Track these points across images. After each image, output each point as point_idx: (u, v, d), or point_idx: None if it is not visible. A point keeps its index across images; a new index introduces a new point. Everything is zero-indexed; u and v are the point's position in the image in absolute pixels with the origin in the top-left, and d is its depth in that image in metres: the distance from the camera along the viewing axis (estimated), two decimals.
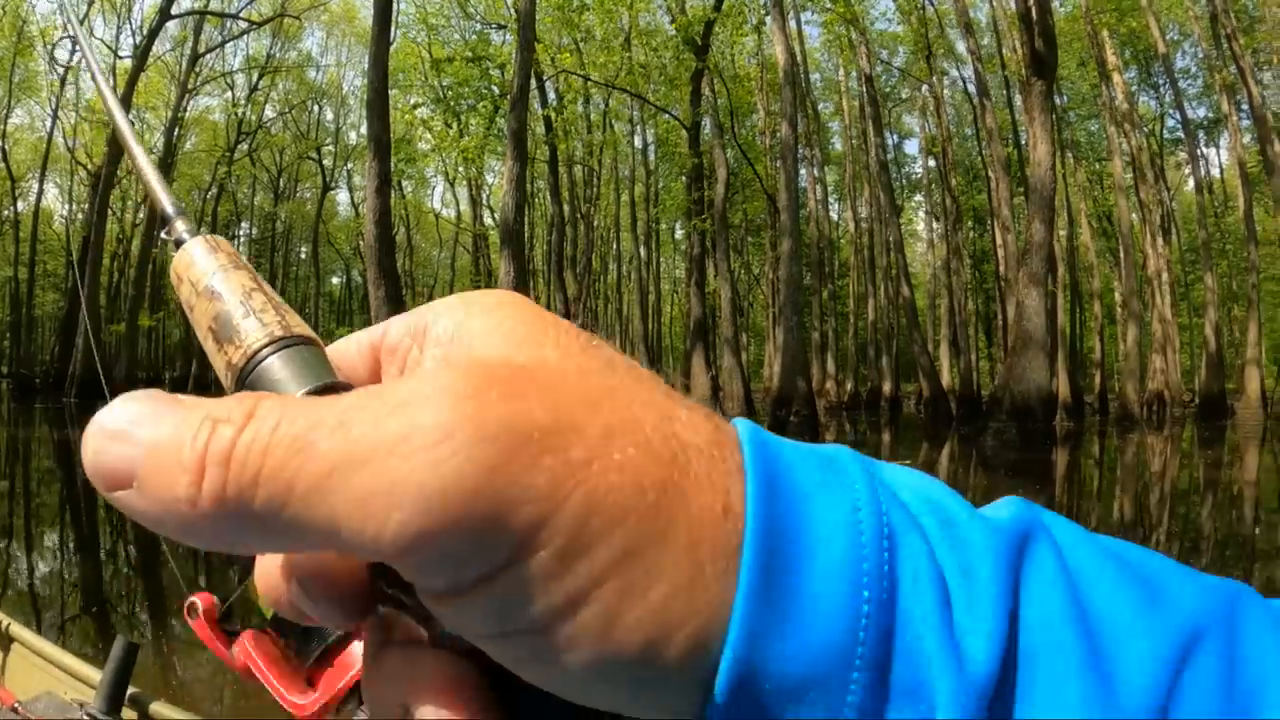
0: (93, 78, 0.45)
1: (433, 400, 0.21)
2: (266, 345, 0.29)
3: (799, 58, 32.91)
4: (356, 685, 0.60)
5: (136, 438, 0.23)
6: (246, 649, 0.68)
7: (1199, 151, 39.54)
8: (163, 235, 0.35)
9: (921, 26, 34.20)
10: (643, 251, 44.92)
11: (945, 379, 36.16)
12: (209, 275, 0.31)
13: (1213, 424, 28.88)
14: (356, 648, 0.60)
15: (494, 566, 0.21)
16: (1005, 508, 0.27)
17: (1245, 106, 31.47)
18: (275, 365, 0.28)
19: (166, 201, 0.36)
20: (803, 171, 38.19)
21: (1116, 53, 35.02)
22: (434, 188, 68.53)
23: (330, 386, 0.28)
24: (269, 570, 0.28)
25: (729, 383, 26.37)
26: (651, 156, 44.63)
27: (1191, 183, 43.06)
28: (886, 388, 39.26)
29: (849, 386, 43.56)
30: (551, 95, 34.60)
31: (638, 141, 44.16)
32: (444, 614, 0.23)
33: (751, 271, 50.90)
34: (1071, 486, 14.47)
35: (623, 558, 0.21)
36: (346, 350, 0.32)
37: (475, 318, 0.28)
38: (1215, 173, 48.43)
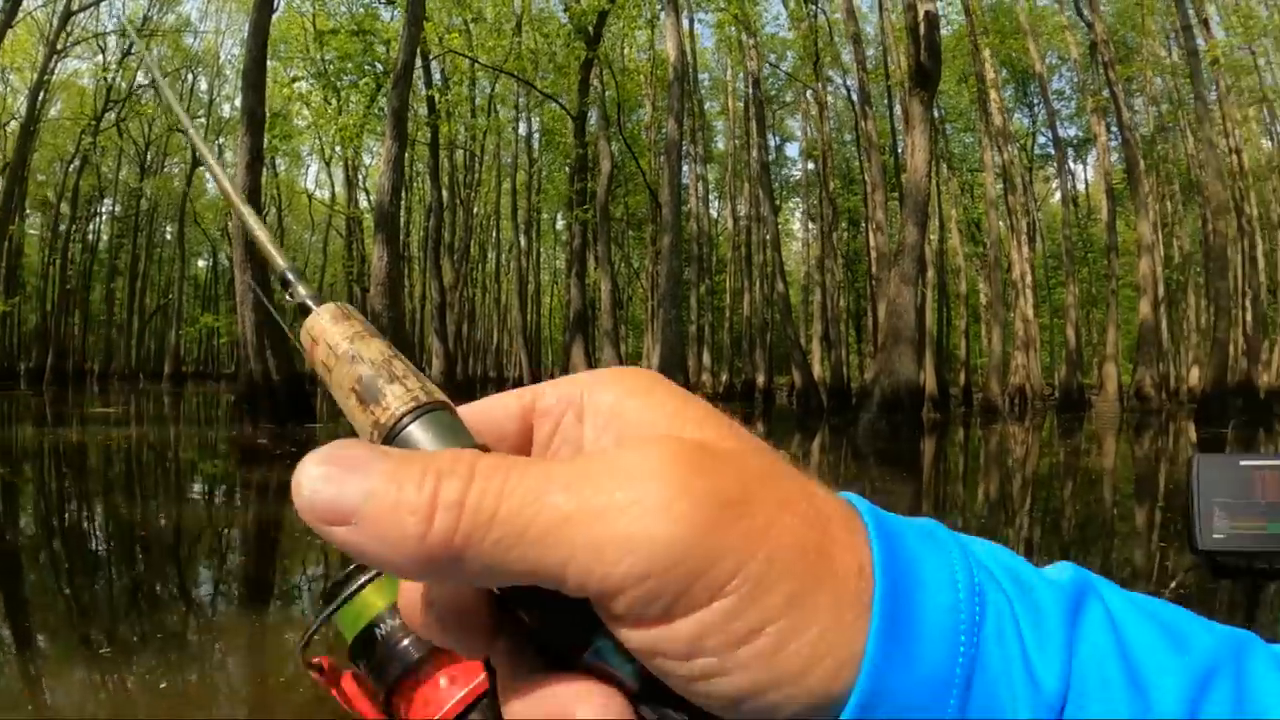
0: (204, 161, 0.52)
1: (656, 474, 0.27)
2: (411, 409, 0.33)
3: (689, 55, 33.40)
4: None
5: (355, 480, 0.28)
6: (353, 690, 0.71)
7: (1067, 167, 41.83)
8: (287, 296, 0.39)
9: (811, 34, 35.14)
10: (523, 240, 44.66)
11: (817, 372, 37.32)
12: (347, 340, 0.35)
13: (1071, 415, 30.95)
14: (440, 682, 0.65)
15: (696, 604, 0.27)
16: (1061, 570, 0.33)
17: (1115, 128, 33.89)
18: (418, 429, 0.32)
19: (285, 265, 0.40)
20: (685, 168, 38.79)
21: (996, 71, 37.15)
22: (309, 167, 66.63)
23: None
24: (411, 602, 0.33)
25: None
26: (535, 145, 44.44)
27: (1058, 195, 45.55)
28: (760, 380, 40.16)
29: (724, 378, 44.31)
30: (437, 76, 34.13)
31: (522, 129, 43.94)
32: (636, 637, 0.28)
33: (631, 265, 51.29)
34: (938, 473, 15.12)
35: (789, 602, 0.27)
36: (490, 409, 0.37)
37: (634, 396, 0.34)
38: (1081, 187, 52.04)
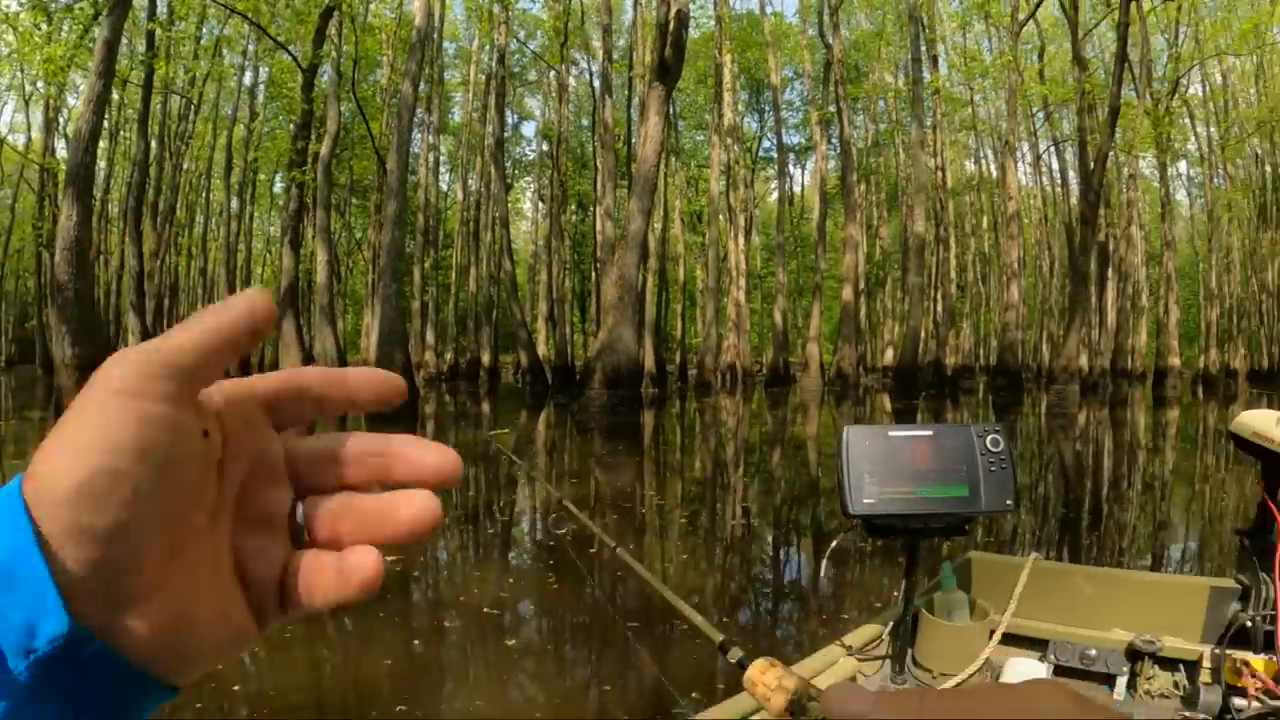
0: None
1: (1049, 687, 0.37)
2: None
3: (437, 20, 32.47)
4: None
5: (867, 693, 0.39)
6: None
7: (787, 170, 44.62)
8: (726, 657, 0.59)
9: (564, 16, 35.41)
10: (235, 203, 41.78)
11: (542, 350, 37.66)
12: (772, 688, 0.53)
13: (779, 389, 33.60)
14: None
15: None
16: None
17: (835, 139, 37.37)
18: None
19: (716, 635, 0.65)
20: (418, 136, 37.85)
21: (734, 77, 39.79)
22: (4, 104, 58.70)
23: None
24: None
25: (324, 355, 24.77)
26: (260, 97, 41.63)
27: (776, 194, 48.71)
28: (486, 358, 39.62)
29: (449, 358, 43.18)
30: (162, 8, 31.29)
31: (248, 78, 41.06)
32: None
33: (354, 234, 49.27)
34: (658, 444, 15.63)
35: None
36: None
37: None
38: (797, 189, 56.44)
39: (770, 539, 7.95)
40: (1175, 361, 39.09)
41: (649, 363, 31.70)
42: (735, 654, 0.54)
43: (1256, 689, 2.02)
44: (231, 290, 39.93)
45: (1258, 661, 2.06)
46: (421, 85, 26.44)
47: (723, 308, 38.92)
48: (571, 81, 41.57)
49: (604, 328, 20.57)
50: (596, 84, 35.30)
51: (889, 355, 45.20)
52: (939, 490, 2.00)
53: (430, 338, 41.55)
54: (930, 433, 2.06)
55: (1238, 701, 2.04)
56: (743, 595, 5.82)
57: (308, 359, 24.23)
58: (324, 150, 25.53)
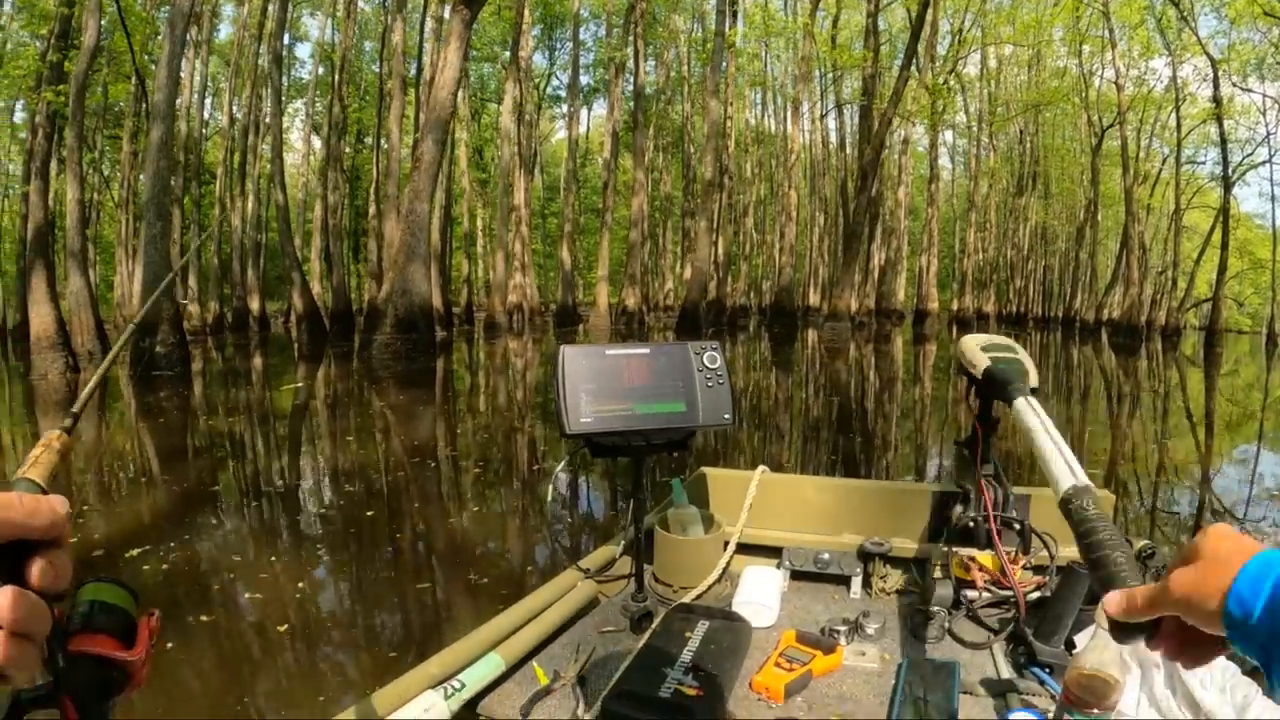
0: None
1: None
2: None
3: None
4: None
5: None
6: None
7: (575, 109, 44.75)
8: None
9: None
10: None
11: (316, 293, 35.40)
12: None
13: (568, 329, 33.85)
14: None
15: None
16: None
17: (628, 82, 38.61)
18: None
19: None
20: (184, 57, 34.87)
21: (532, 10, 39.76)
22: None
23: None
24: None
25: (77, 312, 21.53)
26: (7, 4, 36.04)
27: (562, 133, 48.76)
28: (255, 306, 36.76)
29: (213, 307, 37.73)
30: None
31: None
32: None
33: (102, 171, 43.75)
34: (456, 390, 15.50)
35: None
36: None
37: None
38: (583, 129, 57.17)
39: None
40: (934, 305, 43.10)
41: (436, 303, 30.78)
42: None
43: (984, 581, 2.20)
44: None
45: (983, 557, 2.24)
46: None
47: (509, 245, 38.78)
48: (361, 2, 39.61)
49: (394, 267, 19.51)
50: (388, 3, 33.44)
51: (672, 295, 46.72)
52: (656, 406, 2.00)
53: (193, 284, 37.61)
54: (647, 350, 2.06)
55: (968, 593, 2.20)
56: (503, 533, 6.05)
57: (59, 317, 20.48)
58: (78, 69, 21.71)
